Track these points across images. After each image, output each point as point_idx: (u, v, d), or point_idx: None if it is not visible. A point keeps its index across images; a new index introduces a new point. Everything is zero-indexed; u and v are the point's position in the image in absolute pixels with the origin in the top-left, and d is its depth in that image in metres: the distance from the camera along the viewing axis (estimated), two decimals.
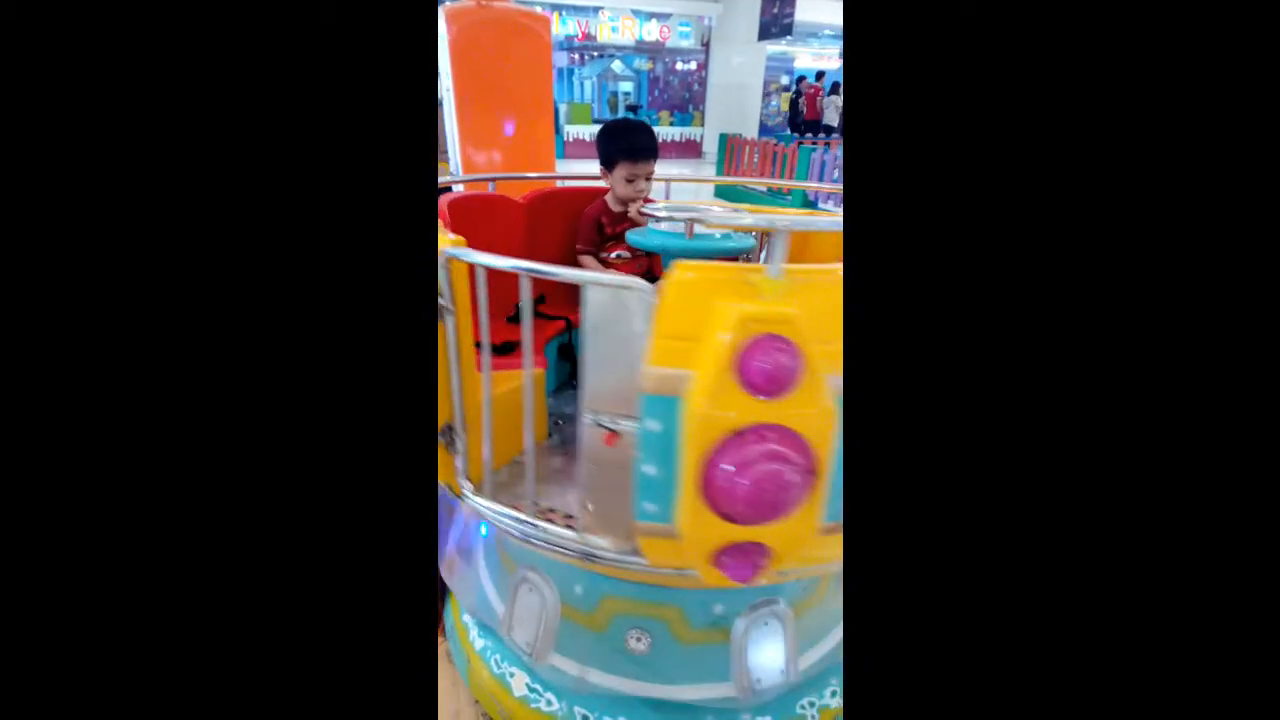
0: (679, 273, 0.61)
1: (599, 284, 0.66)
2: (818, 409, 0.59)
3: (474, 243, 0.76)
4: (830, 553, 0.70)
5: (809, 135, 7.80)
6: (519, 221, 1.42)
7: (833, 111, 8.46)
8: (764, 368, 0.56)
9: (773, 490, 0.58)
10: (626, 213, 1.34)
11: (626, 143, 1.30)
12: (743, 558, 0.65)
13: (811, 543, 0.66)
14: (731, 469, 0.58)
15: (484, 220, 1.33)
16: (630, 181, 1.29)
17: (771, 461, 0.58)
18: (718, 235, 1.03)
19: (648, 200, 1.28)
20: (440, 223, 1.12)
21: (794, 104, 9.10)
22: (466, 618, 1.15)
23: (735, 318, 0.57)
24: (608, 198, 1.38)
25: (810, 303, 0.59)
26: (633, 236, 1.10)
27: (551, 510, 0.94)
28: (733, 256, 1.08)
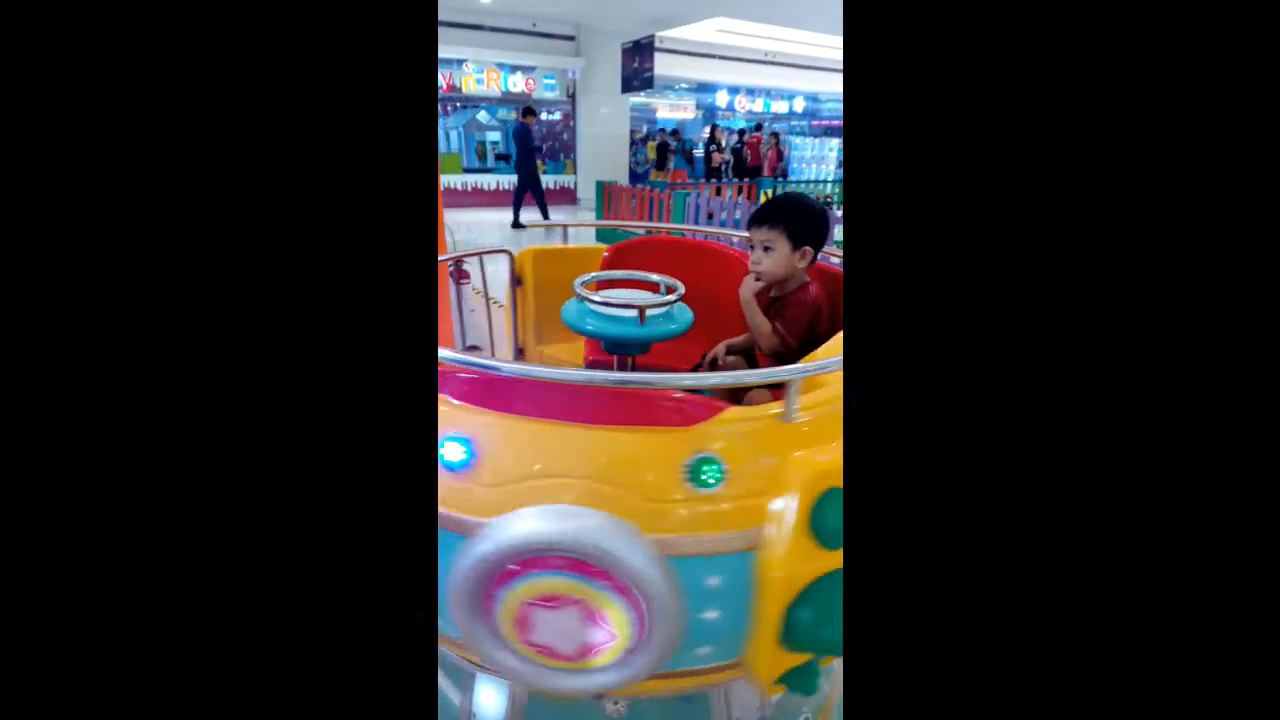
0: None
1: None
2: None
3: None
4: None
5: (747, 181, 8.86)
6: (735, 271, 1.34)
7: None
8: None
9: None
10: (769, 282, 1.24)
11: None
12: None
13: None
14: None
15: (684, 267, 1.31)
16: (753, 249, 1.23)
17: None
18: (658, 316, 1.05)
19: (756, 271, 1.20)
20: None
21: (708, 153, 10.07)
22: None
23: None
24: None
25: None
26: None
27: None
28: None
